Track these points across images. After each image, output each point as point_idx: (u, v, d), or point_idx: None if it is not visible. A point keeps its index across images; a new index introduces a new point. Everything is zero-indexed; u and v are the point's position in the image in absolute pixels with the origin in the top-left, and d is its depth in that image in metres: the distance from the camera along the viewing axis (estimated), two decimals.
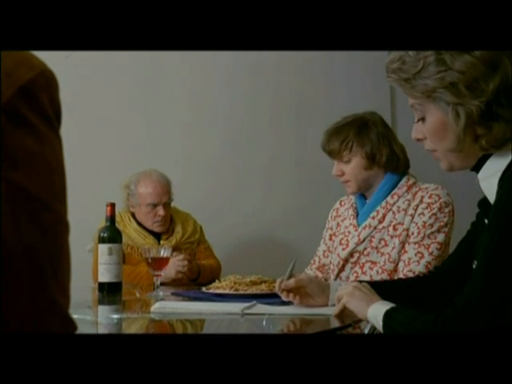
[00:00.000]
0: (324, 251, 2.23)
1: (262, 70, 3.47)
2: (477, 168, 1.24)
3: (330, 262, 2.17)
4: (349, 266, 2.07)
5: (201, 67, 3.39)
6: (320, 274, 2.19)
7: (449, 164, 1.26)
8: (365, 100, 3.30)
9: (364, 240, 2.04)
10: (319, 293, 1.66)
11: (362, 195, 2.14)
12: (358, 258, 2.05)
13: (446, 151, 1.23)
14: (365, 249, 2.04)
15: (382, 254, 2.01)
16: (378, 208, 2.06)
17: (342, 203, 2.26)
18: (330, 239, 2.22)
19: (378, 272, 1.99)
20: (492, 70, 1.15)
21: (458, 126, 1.18)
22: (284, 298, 1.67)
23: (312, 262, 2.25)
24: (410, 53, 1.20)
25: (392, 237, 2.00)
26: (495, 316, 1.08)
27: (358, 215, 2.12)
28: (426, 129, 1.24)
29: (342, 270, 2.08)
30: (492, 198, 1.20)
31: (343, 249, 2.08)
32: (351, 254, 2.06)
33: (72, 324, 0.63)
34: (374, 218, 2.05)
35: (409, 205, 2.02)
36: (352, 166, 2.08)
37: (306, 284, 1.66)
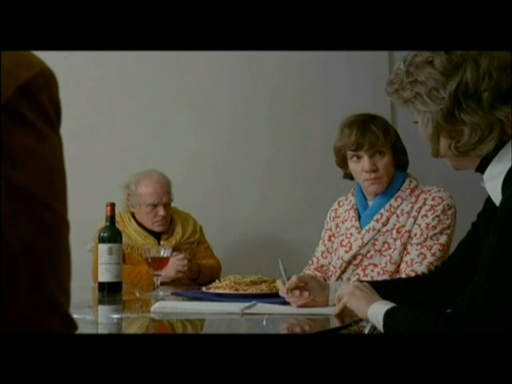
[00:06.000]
0: (323, 252, 2.21)
1: (262, 70, 3.47)
2: (482, 168, 1.25)
3: (329, 263, 2.16)
4: (351, 268, 2.06)
5: (201, 67, 3.39)
6: (318, 274, 2.18)
7: (450, 164, 1.31)
8: (365, 100, 3.29)
9: (367, 243, 2.03)
10: (319, 291, 1.65)
11: (363, 196, 2.13)
12: (361, 260, 2.04)
13: (435, 155, 1.29)
14: (368, 251, 2.02)
15: (385, 256, 2.00)
16: (382, 211, 2.03)
17: (341, 204, 2.23)
18: (329, 240, 2.21)
19: (379, 273, 1.99)
20: (448, 78, 1.19)
21: (426, 133, 1.25)
22: (293, 299, 1.64)
23: (310, 262, 2.24)
24: (402, 66, 1.26)
25: (395, 240, 1.99)
26: (498, 318, 1.08)
27: (359, 217, 2.10)
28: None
29: (344, 271, 2.07)
30: (497, 199, 1.20)
31: (346, 251, 2.06)
32: (354, 257, 2.04)
33: (72, 324, 0.63)
34: (377, 220, 2.03)
35: (412, 207, 2.00)
36: (386, 160, 2.01)
37: (307, 281, 1.65)
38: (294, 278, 1.64)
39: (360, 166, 2.02)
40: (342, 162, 2.10)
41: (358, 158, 2.02)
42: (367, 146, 1.97)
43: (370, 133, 1.97)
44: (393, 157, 2.04)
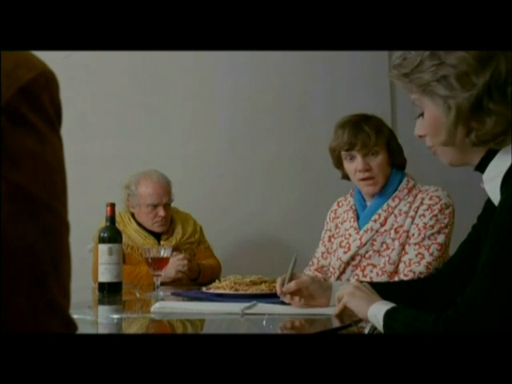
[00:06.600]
0: (323, 253, 2.21)
1: (263, 70, 3.47)
2: (481, 168, 1.24)
3: (330, 264, 2.15)
4: (350, 268, 2.06)
5: (202, 67, 3.39)
6: (319, 275, 2.17)
7: (446, 159, 1.28)
8: (365, 100, 3.29)
9: (366, 243, 2.02)
10: (321, 293, 1.64)
11: (362, 197, 2.12)
12: (360, 261, 2.03)
13: (441, 145, 1.25)
14: (366, 252, 2.02)
15: (383, 256, 2.00)
16: (380, 211, 2.03)
17: (340, 204, 2.23)
18: (329, 241, 2.20)
19: (378, 274, 1.98)
20: (483, 65, 1.17)
21: (448, 119, 1.20)
22: (286, 300, 1.64)
23: (310, 263, 2.24)
24: (412, 51, 1.23)
25: (393, 240, 1.99)
26: (498, 318, 1.08)
27: (358, 218, 2.10)
28: (424, 123, 1.26)
29: (342, 272, 2.07)
30: (496, 200, 1.20)
31: (345, 252, 2.06)
32: (353, 257, 2.04)
33: (72, 324, 0.63)
34: (375, 221, 2.03)
35: (410, 207, 2.00)
36: (380, 160, 2.02)
37: (308, 285, 1.63)
38: (292, 284, 1.62)
39: (354, 166, 2.03)
40: (338, 163, 2.11)
41: (352, 158, 2.03)
42: (360, 146, 1.99)
43: (363, 132, 1.98)
44: (388, 156, 2.04)
